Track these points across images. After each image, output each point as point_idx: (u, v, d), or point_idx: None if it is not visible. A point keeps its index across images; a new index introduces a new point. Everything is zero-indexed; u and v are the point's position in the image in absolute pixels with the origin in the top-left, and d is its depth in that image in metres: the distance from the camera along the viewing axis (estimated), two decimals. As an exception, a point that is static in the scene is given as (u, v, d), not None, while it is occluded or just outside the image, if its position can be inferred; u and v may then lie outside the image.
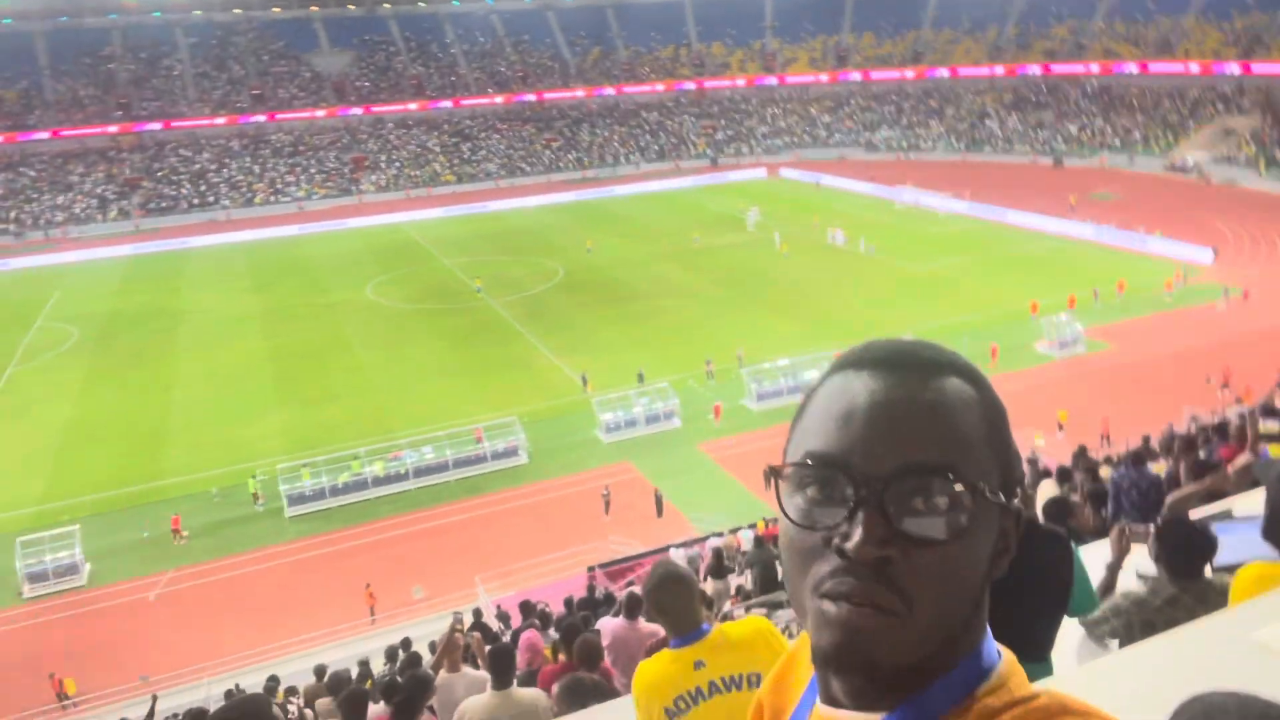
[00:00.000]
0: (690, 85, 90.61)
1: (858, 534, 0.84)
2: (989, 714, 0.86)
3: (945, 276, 44.37)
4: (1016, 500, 0.94)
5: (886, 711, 0.90)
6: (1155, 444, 15.62)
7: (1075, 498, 5.98)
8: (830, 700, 0.95)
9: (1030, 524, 3.02)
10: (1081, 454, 14.78)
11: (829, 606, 0.86)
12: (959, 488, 0.86)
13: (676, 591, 2.98)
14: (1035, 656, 2.91)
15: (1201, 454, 9.79)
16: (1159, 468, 10.94)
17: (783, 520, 0.92)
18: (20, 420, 34.29)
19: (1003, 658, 0.94)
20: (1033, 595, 2.87)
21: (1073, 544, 3.02)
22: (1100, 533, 5.74)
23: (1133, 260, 44.66)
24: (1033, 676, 2.79)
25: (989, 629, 0.95)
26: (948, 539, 0.85)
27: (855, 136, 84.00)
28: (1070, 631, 3.18)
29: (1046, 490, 6.68)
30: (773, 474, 0.93)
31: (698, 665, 2.90)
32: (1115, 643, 3.56)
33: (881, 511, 0.85)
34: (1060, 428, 27.49)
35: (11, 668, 21.09)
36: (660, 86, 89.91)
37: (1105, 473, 12.78)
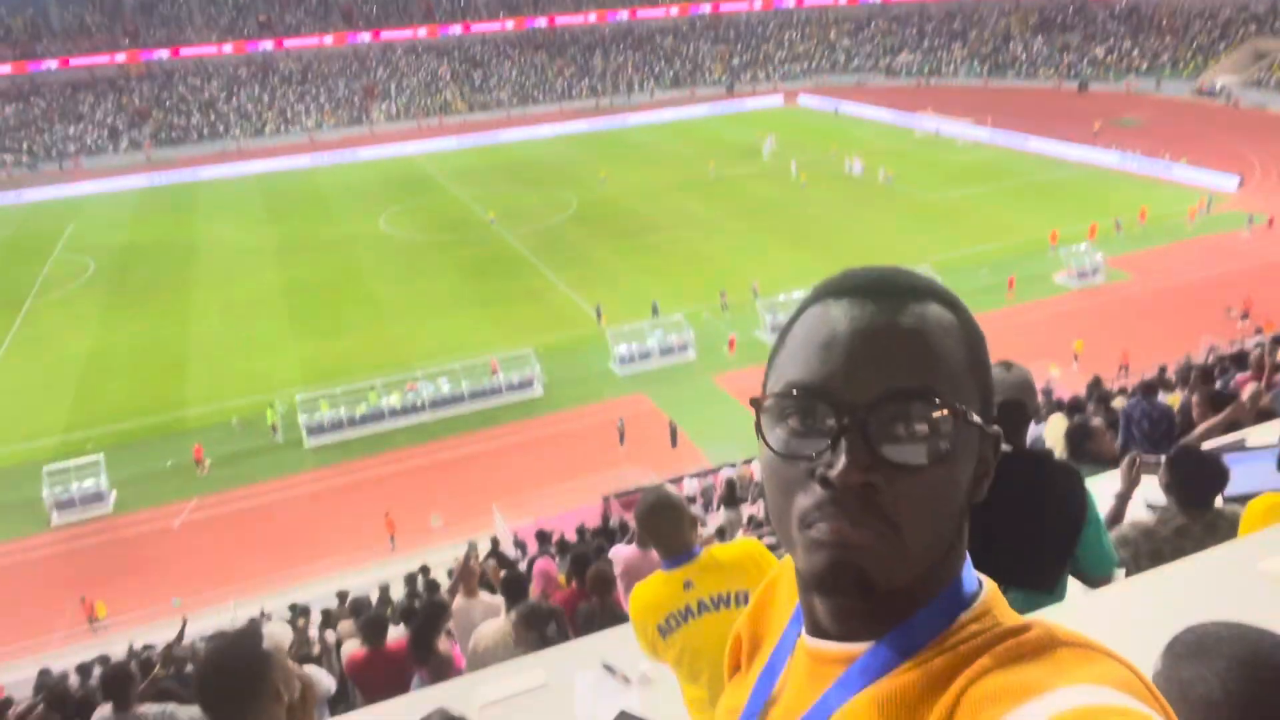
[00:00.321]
0: (705, 8, 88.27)
1: (841, 461, 0.84)
2: (974, 640, 0.86)
3: (964, 206, 43.72)
4: (995, 426, 0.93)
5: (872, 640, 0.90)
6: (1172, 374, 15.56)
7: (1096, 422, 5.96)
8: (815, 630, 0.95)
9: (1043, 456, 3.03)
10: (1095, 385, 14.72)
11: (818, 529, 0.86)
12: (941, 413, 0.85)
13: (666, 516, 3.07)
14: (1044, 586, 2.93)
15: (1219, 385, 9.74)
16: (1174, 399, 10.91)
17: (765, 452, 0.91)
18: (42, 352, 34.70)
19: (984, 586, 0.94)
20: (1043, 527, 2.88)
21: (1088, 487, 3.02)
22: (1119, 460, 5.74)
23: (1156, 187, 43.82)
24: (1041, 607, 2.82)
25: (969, 557, 0.95)
26: (931, 463, 0.85)
27: (875, 62, 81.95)
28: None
29: (1055, 424, 6.66)
30: (754, 406, 0.93)
31: (687, 585, 3.01)
32: (1122, 572, 3.58)
33: (864, 438, 0.84)
34: (1076, 358, 27.36)
35: (43, 592, 21.78)
36: (675, 10, 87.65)
37: (1119, 404, 12.75)
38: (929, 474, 0.85)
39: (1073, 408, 10.16)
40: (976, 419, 0.89)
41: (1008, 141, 54.44)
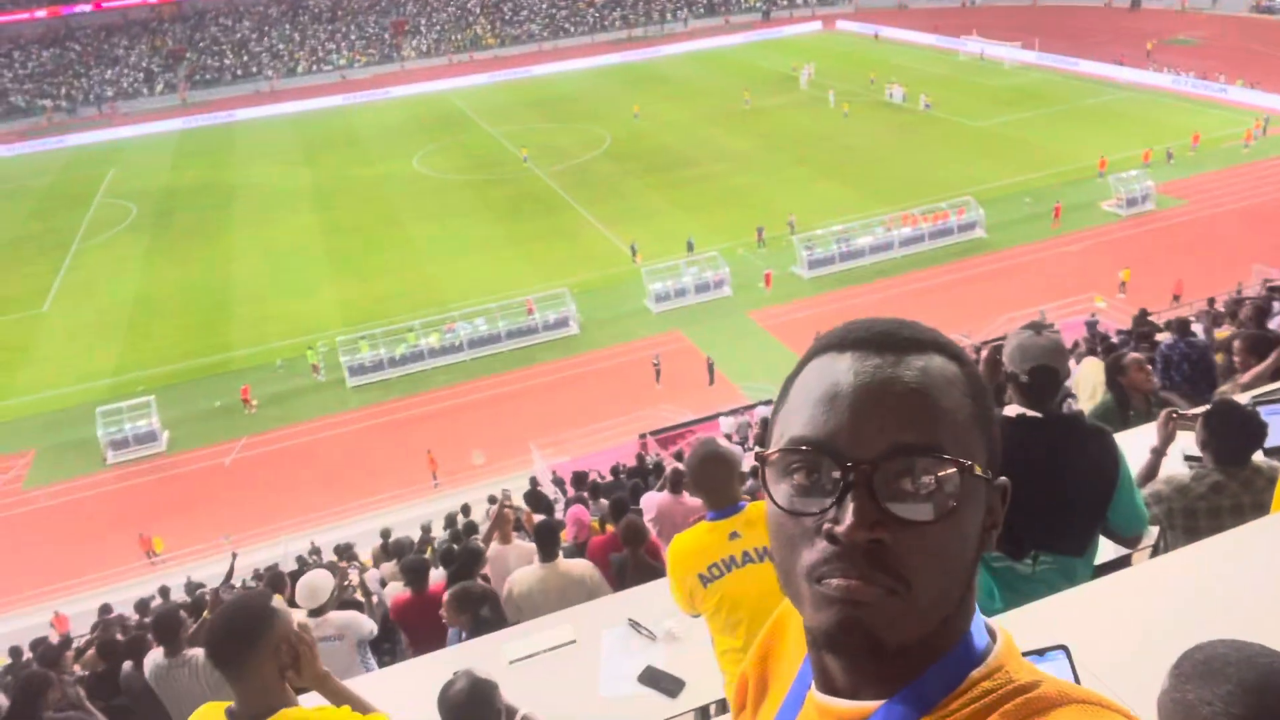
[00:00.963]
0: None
1: (848, 518, 0.83)
2: (985, 698, 0.85)
3: (1009, 133, 42.45)
4: (1002, 478, 0.92)
5: (884, 699, 0.89)
6: (1221, 306, 15.13)
7: (1131, 355, 5.82)
8: (825, 686, 0.95)
9: (1073, 420, 2.98)
10: (1141, 318, 14.37)
11: (826, 586, 0.85)
12: (948, 468, 0.84)
13: (716, 470, 3.16)
14: (1074, 551, 2.91)
15: (1276, 322, 9.44)
16: (1223, 333, 10.61)
17: (771, 507, 0.91)
18: (89, 296, 35.47)
19: (998, 639, 0.93)
20: (1074, 493, 2.84)
21: (1119, 444, 2.96)
22: (1156, 395, 5.63)
23: (1211, 110, 42.11)
24: (1073, 570, 2.81)
25: (979, 611, 0.94)
26: (937, 519, 0.84)
27: (917, -18, 78.95)
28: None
29: (1087, 370, 6.50)
30: (759, 462, 0.92)
31: (732, 536, 3.11)
32: (1155, 530, 3.53)
33: (870, 494, 0.83)
34: (1122, 287, 26.76)
35: (103, 528, 22.64)
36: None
37: (1164, 337, 12.47)
38: (936, 529, 0.84)
39: (1109, 349, 9.94)
40: (984, 473, 0.88)
41: (1056, 64, 52.50)
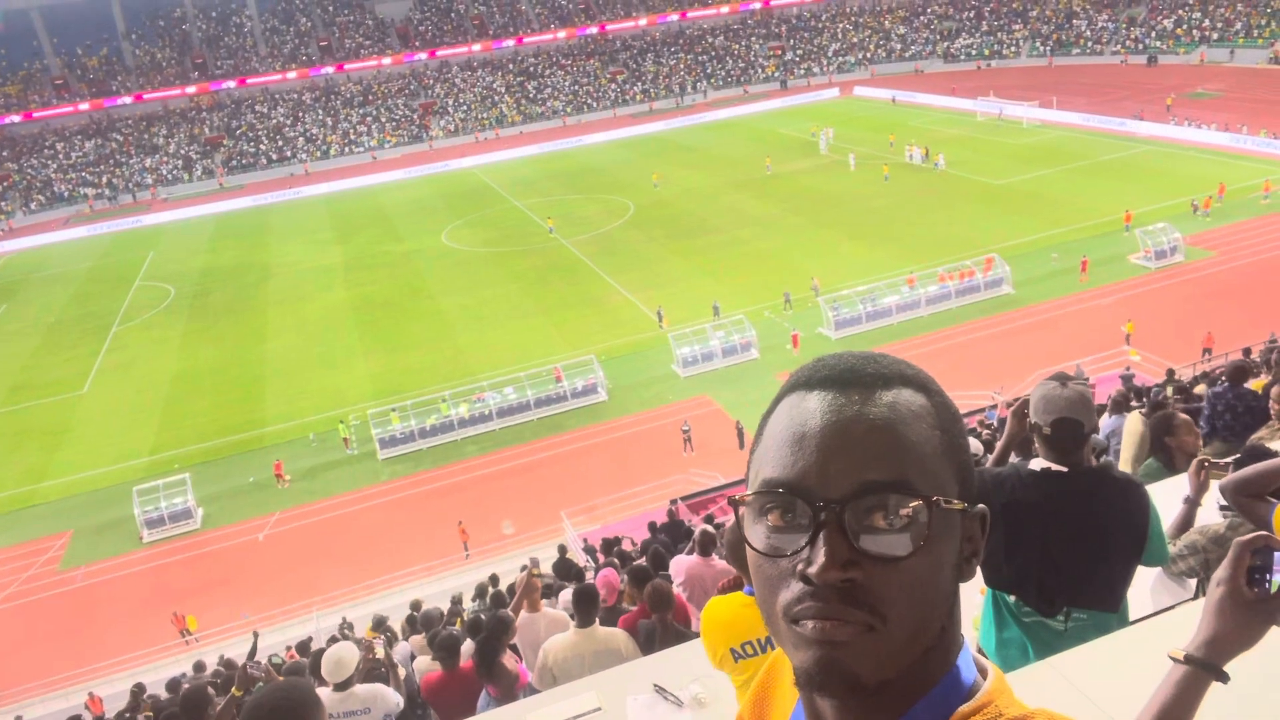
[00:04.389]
0: (757, 4, 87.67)
1: (820, 558, 0.84)
2: None
3: (1032, 190, 42.57)
4: (979, 505, 0.92)
5: None
6: (1256, 356, 14.86)
7: (1182, 417, 5.70)
8: None
9: (1102, 472, 2.91)
10: (1170, 376, 14.14)
11: (803, 627, 0.86)
12: (915, 502, 0.85)
13: None
14: (1107, 606, 2.83)
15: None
16: (1258, 384, 10.39)
17: (749, 550, 0.92)
18: (128, 376, 36.19)
19: (989, 676, 0.93)
20: (1105, 547, 2.78)
21: (1150, 495, 2.90)
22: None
23: (1236, 161, 42.02)
24: (1107, 626, 2.73)
25: (967, 646, 0.94)
26: (909, 554, 0.84)
27: (932, 48, 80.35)
28: (1146, 571, 3.08)
29: (1133, 425, 6.37)
30: (734, 505, 0.94)
31: None
32: (1193, 581, 3.44)
33: (841, 533, 0.84)
34: (1127, 340, 26.65)
35: (138, 607, 22.70)
36: (725, 9, 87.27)
37: (1201, 389, 12.23)
38: (910, 563, 0.85)
39: (1155, 408, 9.70)
40: (955, 503, 0.88)
41: (1075, 121, 52.83)
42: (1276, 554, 1.39)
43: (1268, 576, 1.39)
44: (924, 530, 0.85)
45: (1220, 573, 1.45)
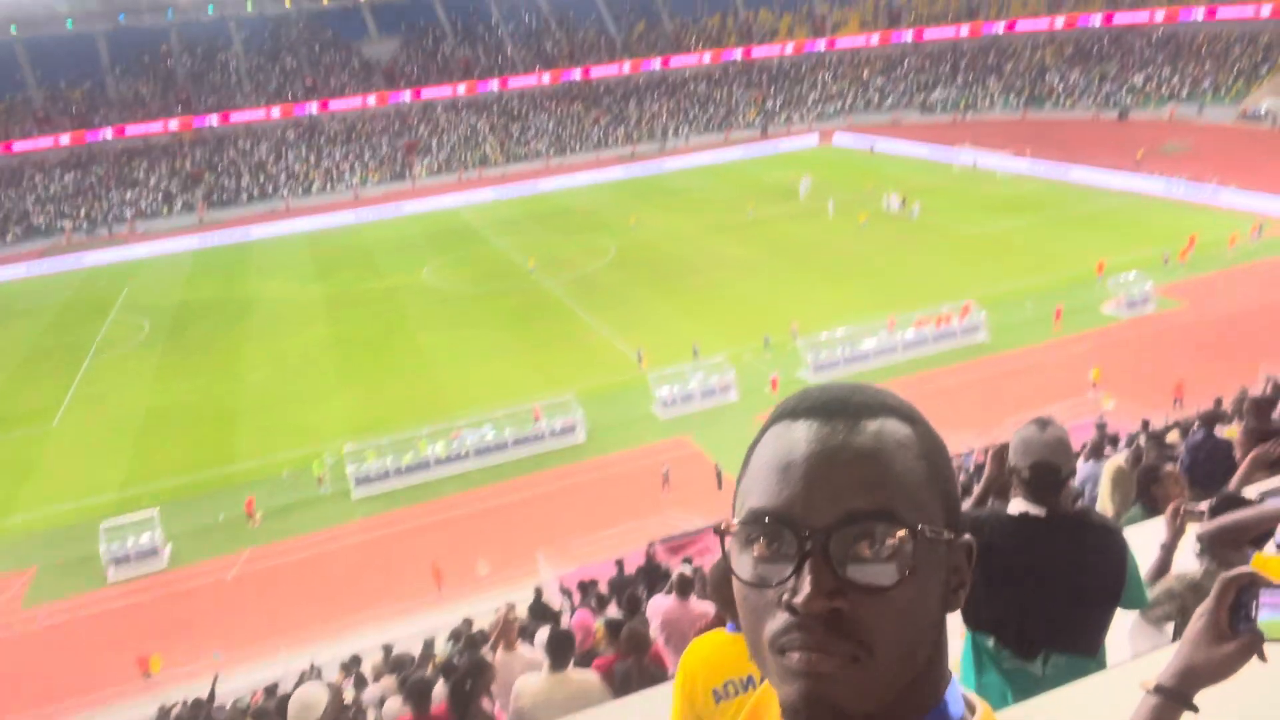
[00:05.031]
0: (737, 54, 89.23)
1: (805, 588, 0.84)
2: None
3: (1006, 239, 43.28)
4: (966, 535, 0.93)
5: None
6: (1228, 407, 15.07)
7: (1169, 468, 5.75)
8: None
9: (1080, 517, 2.93)
10: (1144, 426, 14.31)
11: (789, 659, 0.86)
12: (900, 531, 0.85)
13: None
14: (1086, 650, 2.84)
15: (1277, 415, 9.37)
16: (1231, 431, 10.53)
17: (735, 580, 0.92)
18: (100, 410, 35.66)
19: (977, 712, 0.93)
20: (1084, 592, 2.80)
21: (1126, 543, 2.93)
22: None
23: (1205, 214, 42.97)
24: (1085, 671, 2.73)
25: (955, 680, 0.94)
26: (895, 584, 0.85)
27: (909, 98, 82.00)
28: (1123, 616, 3.09)
29: (1114, 476, 6.41)
30: (719, 534, 0.94)
31: None
32: (1170, 626, 3.45)
33: (826, 563, 0.84)
34: (1094, 387, 27.05)
35: (100, 648, 22.11)
36: (707, 57, 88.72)
37: (1174, 437, 12.37)
38: (896, 593, 0.85)
39: (1136, 457, 9.78)
40: (941, 533, 0.89)
41: (1049, 172, 53.91)
42: (1263, 590, 1.41)
43: (1251, 614, 1.41)
44: (909, 560, 0.85)
45: (1203, 605, 1.47)
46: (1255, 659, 1.42)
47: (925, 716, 0.89)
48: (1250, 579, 1.42)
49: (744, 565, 0.90)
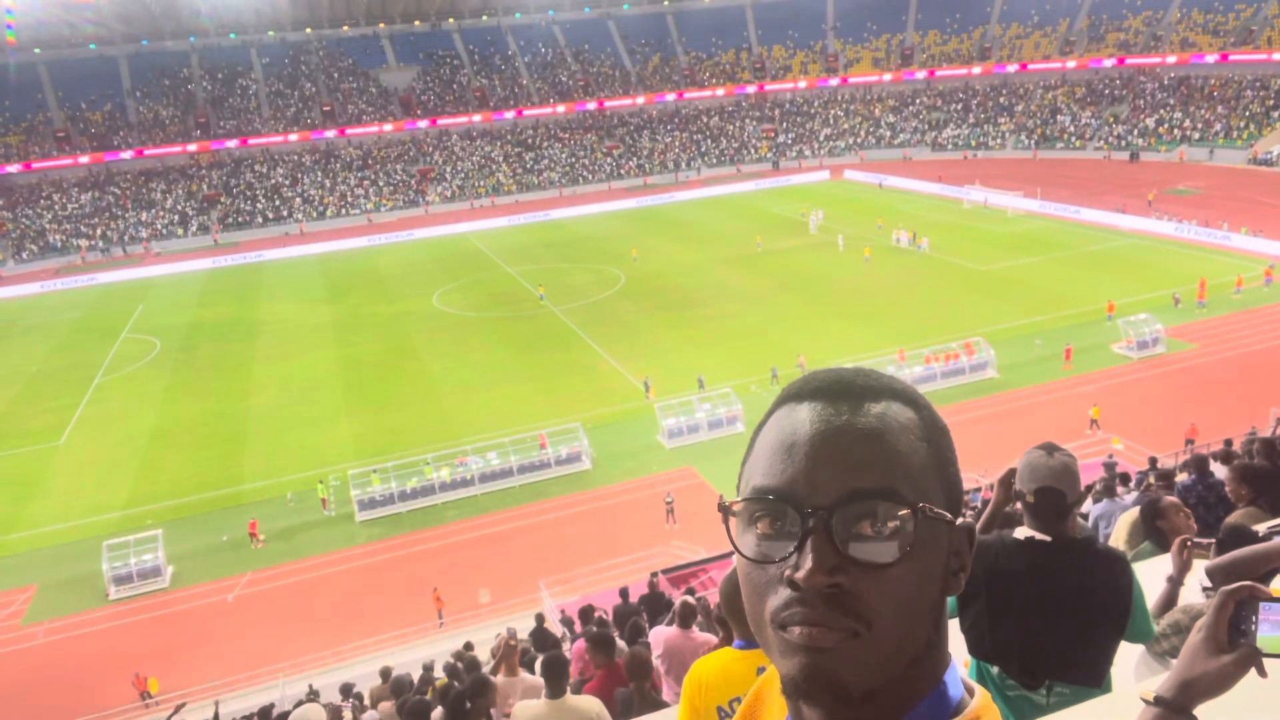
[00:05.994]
0: (751, 89, 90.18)
1: (807, 564, 0.85)
2: None
3: (1015, 277, 43.30)
4: (965, 518, 0.95)
5: None
6: (1238, 448, 14.97)
7: (1169, 499, 5.71)
8: None
9: (1085, 544, 2.90)
10: (1152, 464, 14.22)
11: (790, 633, 0.87)
12: (902, 510, 0.87)
13: None
14: (1090, 681, 2.80)
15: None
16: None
17: (738, 557, 0.94)
18: (106, 429, 35.76)
19: (976, 696, 0.94)
20: (1088, 620, 2.77)
21: (1132, 566, 2.90)
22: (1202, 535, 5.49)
23: (1216, 256, 42.96)
24: (1090, 699, 2.68)
25: (955, 664, 0.95)
26: (895, 561, 0.86)
27: (921, 136, 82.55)
28: (1129, 649, 3.06)
29: (1129, 525, 6.34)
30: (723, 511, 0.95)
31: (760, 670, 2.92)
32: (1175, 661, 3.40)
33: (828, 539, 0.86)
34: (1093, 425, 26.97)
35: (98, 668, 21.99)
36: (721, 91, 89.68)
37: (1183, 478, 12.28)
38: (896, 571, 0.86)
39: (1147, 514, 9.71)
40: (941, 513, 0.90)
41: (1059, 212, 54.05)
42: (1262, 605, 1.41)
43: (1250, 627, 1.41)
44: (910, 538, 0.87)
45: (1202, 619, 1.47)
46: (1256, 674, 1.41)
47: (925, 697, 0.89)
48: (1249, 593, 1.42)
49: (747, 542, 0.92)
